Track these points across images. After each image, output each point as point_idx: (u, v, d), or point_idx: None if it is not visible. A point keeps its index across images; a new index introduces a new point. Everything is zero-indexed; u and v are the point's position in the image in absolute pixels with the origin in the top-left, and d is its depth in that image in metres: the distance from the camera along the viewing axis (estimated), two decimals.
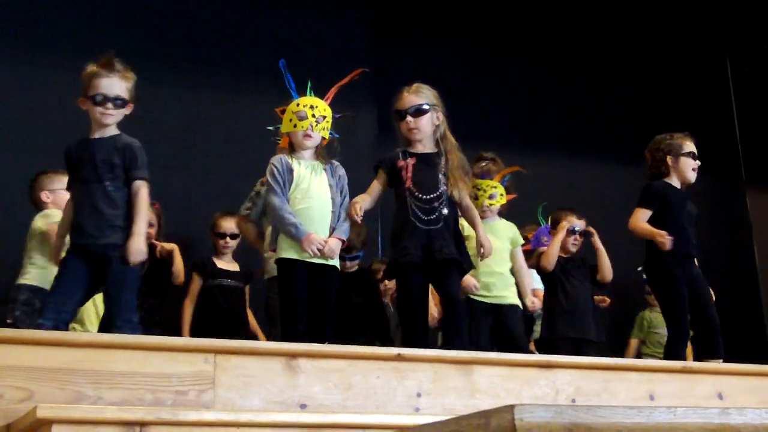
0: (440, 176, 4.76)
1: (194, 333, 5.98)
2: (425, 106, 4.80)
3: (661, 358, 6.66)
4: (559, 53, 8.50)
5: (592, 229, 6.45)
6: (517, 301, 5.64)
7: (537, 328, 6.54)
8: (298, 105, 4.71)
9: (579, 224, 6.50)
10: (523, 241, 5.95)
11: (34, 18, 6.77)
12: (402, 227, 4.70)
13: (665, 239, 5.22)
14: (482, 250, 4.88)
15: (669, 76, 8.71)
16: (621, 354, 7.21)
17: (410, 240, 4.63)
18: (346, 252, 5.52)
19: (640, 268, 6.27)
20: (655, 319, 7.22)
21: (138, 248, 4.14)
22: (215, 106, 7.07)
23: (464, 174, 4.89)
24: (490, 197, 5.72)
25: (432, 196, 4.71)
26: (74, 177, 4.34)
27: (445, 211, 4.71)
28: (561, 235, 6.23)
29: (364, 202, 4.77)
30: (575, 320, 6.15)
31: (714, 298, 5.55)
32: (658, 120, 8.06)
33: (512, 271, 5.74)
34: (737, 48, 9.04)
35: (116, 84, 4.34)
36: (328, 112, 4.76)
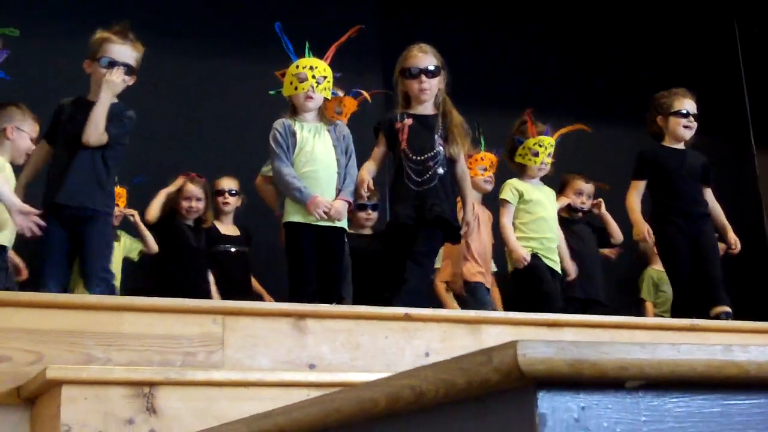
0: (436, 137, 4.69)
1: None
2: (438, 69, 4.77)
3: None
4: (567, 17, 8.44)
5: (595, 201, 6.45)
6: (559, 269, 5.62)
7: None
8: (297, 67, 4.69)
9: (587, 187, 6.49)
10: (558, 206, 5.93)
11: None
12: (397, 190, 4.66)
13: (639, 236, 5.32)
14: (465, 229, 4.78)
15: (677, 39, 8.65)
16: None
17: (404, 204, 4.58)
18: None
19: None
20: (661, 277, 7.18)
21: None
22: (221, 72, 7.04)
23: (465, 133, 4.83)
24: (549, 155, 5.61)
25: (426, 156, 4.64)
26: (63, 134, 4.33)
27: (441, 170, 4.63)
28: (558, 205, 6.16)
29: (369, 173, 4.73)
30: (582, 281, 6.15)
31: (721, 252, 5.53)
32: (665, 83, 7.98)
33: None
34: (745, 9, 8.97)
35: (127, 52, 4.38)
36: (329, 72, 4.73)
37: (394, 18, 7.62)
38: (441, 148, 4.66)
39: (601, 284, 6.41)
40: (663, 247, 5.41)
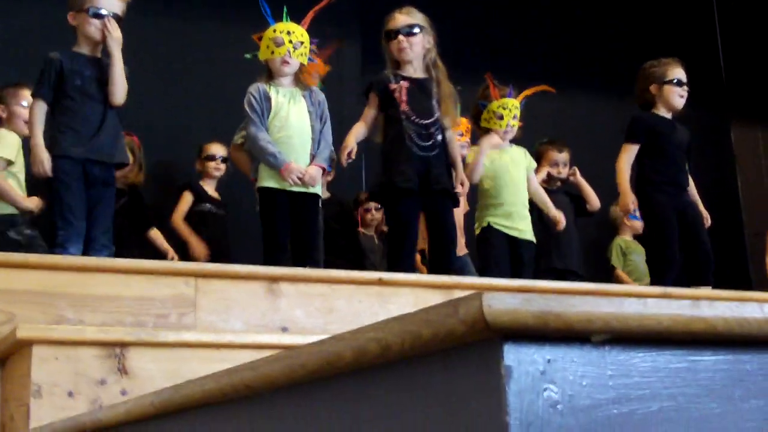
0: (434, 102, 4.73)
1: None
2: (416, 28, 4.76)
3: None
4: None
5: (570, 171, 6.45)
6: (532, 237, 5.55)
7: None
8: (274, 31, 4.67)
9: (561, 156, 6.50)
10: (536, 165, 5.88)
11: None
12: (397, 151, 4.64)
13: (623, 207, 5.33)
14: (461, 189, 4.86)
15: (653, 9, 8.64)
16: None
17: (407, 165, 4.59)
18: None
19: None
20: (630, 245, 7.21)
21: None
22: (199, 34, 6.99)
23: (455, 104, 4.88)
24: (515, 117, 5.59)
25: (429, 121, 4.69)
26: (72, 89, 4.29)
27: (440, 137, 4.70)
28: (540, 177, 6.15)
29: (356, 138, 4.72)
30: (560, 251, 6.16)
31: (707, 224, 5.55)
32: (641, 52, 7.99)
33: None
34: None
35: (115, 2, 4.38)
36: (306, 38, 4.72)
37: None
38: (438, 113, 4.69)
39: (578, 255, 6.43)
40: (651, 217, 5.37)
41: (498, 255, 5.35)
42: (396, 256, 4.58)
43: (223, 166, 6.33)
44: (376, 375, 1.26)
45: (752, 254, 8.16)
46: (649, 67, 5.52)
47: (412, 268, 4.56)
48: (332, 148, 4.81)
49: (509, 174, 5.48)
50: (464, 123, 5.95)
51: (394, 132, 4.68)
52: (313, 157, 4.64)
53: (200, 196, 6.22)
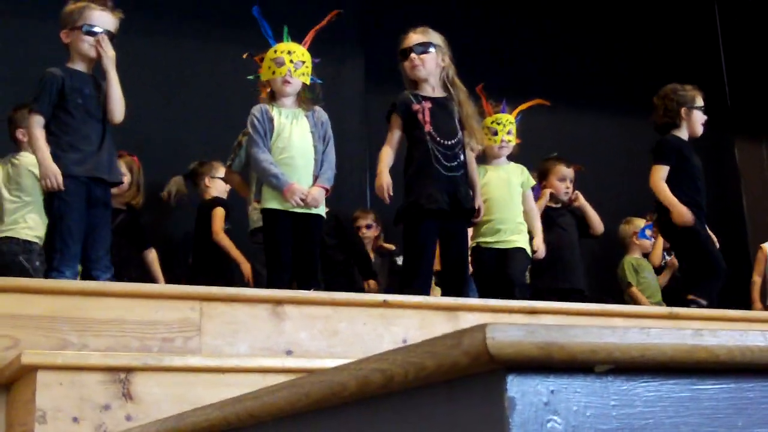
0: (456, 121, 4.77)
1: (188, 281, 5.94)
2: (430, 46, 4.79)
3: (652, 304, 6.71)
4: (546, 1, 8.43)
5: (575, 194, 6.43)
6: (524, 245, 5.47)
7: None
8: (275, 51, 4.68)
9: (569, 171, 6.47)
10: (534, 183, 5.85)
11: None
12: (423, 173, 4.66)
13: (686, 218, 5.24)
14: (477, 214, 4.90)
15: (657, 25, 8.65)
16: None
17: (435, 186, 4.63)
18: None
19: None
20: (641, 263, 7.21)
21: None
22: (197, 55, 7.00)
23: (478, 123, 4.93)
24: (509, 133, 5.55)
25: (453, 141, 4.73)
26: (74, 106, 4.28)
27: (462, 157, 4.76)
28: (543, 202, 6.15)
29: (387, 166, 4.76)
30: (565, 271, 6.13)
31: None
32: (646, 70, 8.02)
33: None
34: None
35: (109, 19, 4.39)
36: (307, 57, 4.72)
37: (374, 4, 7.59)
38: (461, 133, 4.72)
39: (582, 274, 6.42)
40: (689, 234, 5.34)
41: (490, 274, 5.34)
42: (412, 278, 4.58)
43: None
44: (380, 405, 1.26)
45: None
46: (679, 90, 5.57)
47: (427, 291, 4.58)
48: (334, 168, 4.80)
49: (500, 191, 5.45)
50: None
51: (419, 153, 4.69)
52: (316, 178, 4.64)
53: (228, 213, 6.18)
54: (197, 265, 6.07)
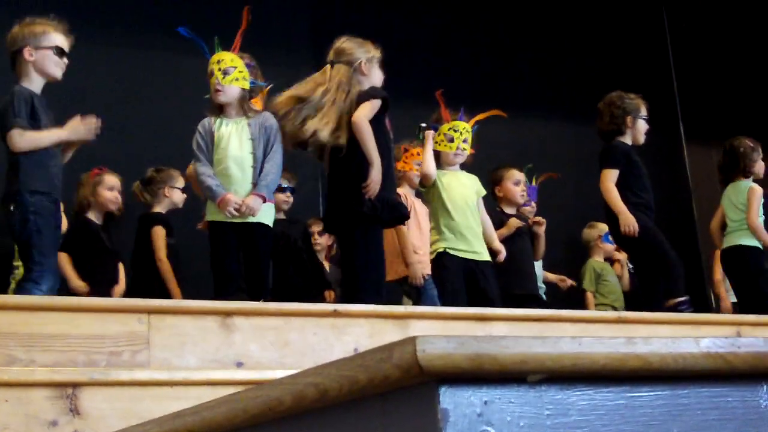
0: None
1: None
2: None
3: (614, 308, 6.75)
4: (494, 6, 8.46)
5: (541, 220, 6.46)
6: (488, 257, 5.48)
7: None
8: (209, 64, 4.67)
9: (522, 176, 6.46)
10: (485, 192, 5.85)
11: None
12: (386, 180, 4.60)
13: (631, 228, 5.30)
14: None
15: (607, 33, 8.73)
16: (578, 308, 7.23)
17: (394, 193, 4.71)
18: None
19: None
20: (604, 268, 7.25)
21: None
22: (153, 66, 6.96)
23: None
24: (465, 141, 5.56)
25: None
26: (40, 125, 4.26)
27: None
28: (506, 232, 6.13)
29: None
30: (520, 278, 6.13)
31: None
32: (596, 77, 8.08)
33: None
34: (674, 2, 9.08)
35: (67, 41, 4.37)
36: (238, 62, 4.67)
37: (324, 8, 7.59)
38: None
39: (536, 278, 6.44)
40: (646, 236, 5.40)
41: (455, 282, 5.31)
42: (377, 288, 4.55)
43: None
44: (316, 419, 1.26)
45: (709, 276, 8.22)
46: (624, 98, 5.66)
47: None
48: (277, 173, 4.73)
49: (461, 195, 5.45)
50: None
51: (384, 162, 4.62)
52: (254, 186, 4.60)
53: (170, 230, 6.08)
54: (138, 281, 5.93)
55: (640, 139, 5.63)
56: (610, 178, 5.46)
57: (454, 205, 5.38)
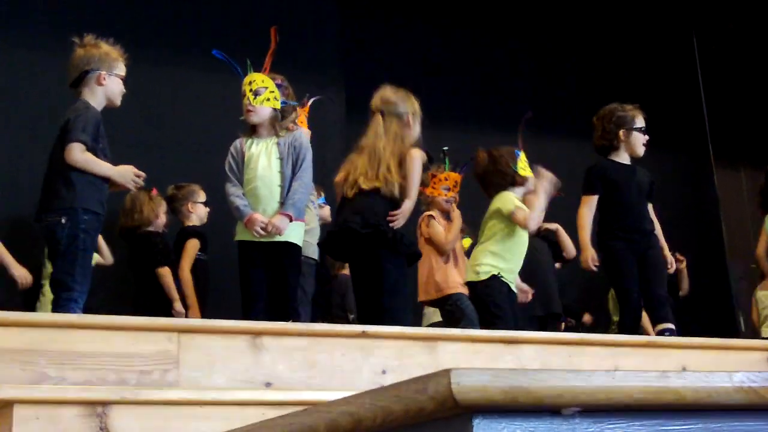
0: None
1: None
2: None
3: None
4: (523, 30, 8.48)
5: (554, 226, 6.44)
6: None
7: None
8: (242, 86, 4.71)
9: None
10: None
11: None
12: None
13: (587, 265, 5.22)
14: None
15: (636, 54, 8.72)
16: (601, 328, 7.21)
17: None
18: None
19: None
20: None
21: None
22: (192, 81, 6.99)
23: None
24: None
25: None
26: (100, 146, 4.38)
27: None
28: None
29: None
30: (541, 297, 6.10)
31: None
32: (624, 98, 8.06)
33: None
34: (704, 26, 9.07)
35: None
36: (269, 83, 4.69)
37: (353, 29, 7.62)
38: None
39: (557, 296, 6.42)
40: (610, 265, 5.29)
41: (505, 309, 5.14)
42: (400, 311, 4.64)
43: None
44: None
45: (738, 298, 8.19)
46: (615, 111, 5.42)
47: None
48: (306, 192, 4.76)
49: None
50: (453, 177, 5.88)
51: None
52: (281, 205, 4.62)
53: (205, 244, 6.15)
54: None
55: (638, 151, 5.36)
56: (585, 203, 5.29)
57: (516, 236, 5.30)
